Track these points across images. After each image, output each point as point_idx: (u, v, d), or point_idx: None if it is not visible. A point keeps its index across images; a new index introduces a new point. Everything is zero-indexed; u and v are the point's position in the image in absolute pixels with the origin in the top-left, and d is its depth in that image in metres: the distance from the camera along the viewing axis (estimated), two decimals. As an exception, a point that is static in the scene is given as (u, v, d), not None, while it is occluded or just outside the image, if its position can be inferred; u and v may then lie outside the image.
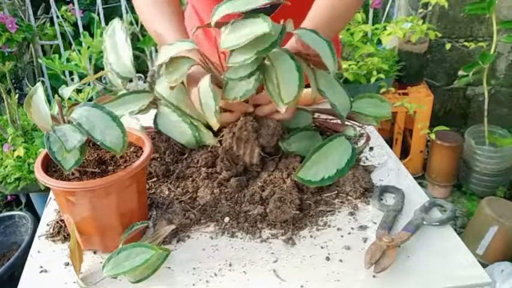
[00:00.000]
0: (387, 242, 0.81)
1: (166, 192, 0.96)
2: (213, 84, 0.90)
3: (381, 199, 0.95)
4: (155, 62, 1.07)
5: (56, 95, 0.85)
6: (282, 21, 0.88)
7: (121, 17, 1.06)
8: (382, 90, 2.24)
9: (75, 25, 2.53)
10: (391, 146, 2.41)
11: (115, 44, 1.02)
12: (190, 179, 0.98)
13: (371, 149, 1.11)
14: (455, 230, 1.99)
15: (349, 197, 0.95)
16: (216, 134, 1.00)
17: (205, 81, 0.90)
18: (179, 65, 0.92)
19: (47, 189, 0.87)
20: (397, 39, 2.37)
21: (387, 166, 1.05)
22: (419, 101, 2.32)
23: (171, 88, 0.95)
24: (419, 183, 1.15)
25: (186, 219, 0.90)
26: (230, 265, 0.81)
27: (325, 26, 0.96)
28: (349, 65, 2.22)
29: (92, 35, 2.06)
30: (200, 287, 0.78)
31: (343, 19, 1.04)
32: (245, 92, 0.90)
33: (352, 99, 0.99)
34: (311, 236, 0.87)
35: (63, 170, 0.75)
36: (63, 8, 2.50)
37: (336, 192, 0.96)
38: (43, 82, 2.41)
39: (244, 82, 0.89)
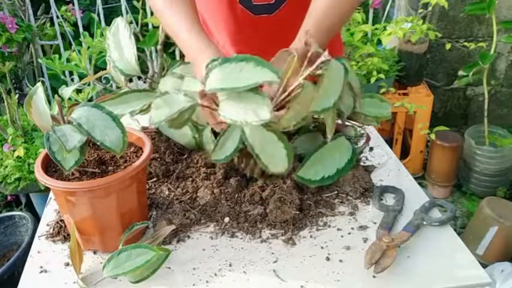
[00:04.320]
0: (387, 242, 0.81)
1: (166, 193, 0.96)
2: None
3: (381, 199, 0.95)
4: (158, 67, 1.07)
5: (56, 95, 0.85)
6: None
7: (121, 17, 1.06)
8: (382, 90, 2.24)
9: (75, 25, 2.53)
10: (391, 146, 2.41)
11: (118, 41, 1.02)
12: (190, 179, 0.98)
13: (371, 149, 1.11)
14: (455, 230, 1.99)
15: (349, 197, 0.95)
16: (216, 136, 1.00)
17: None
18: (180, 116, 0.88)
19: (47, 189, 0.87)
20: (397, 39, 2.37)
21: (387, 166, 1.05)
22: (419, 101, 2.32)
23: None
24: (419, 184, 1.15)
25: (186, 219, 0.90)
26: (230, 265, 0.81)
27: (326, 21, 0.96)
28: (349, 65, 2.22)
29: (92, 35, 2.06)
30: (200, 287, 0.78)
31: (344, 12, 1.03)
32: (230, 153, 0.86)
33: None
34: (311, 236, 0.87)
35: (63, 170, 0.75)
36: (63, 8, 2.50)
37: (336, 192, 0.96)
38: (43, 82, 2.40)
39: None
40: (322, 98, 0.80)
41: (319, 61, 0.76)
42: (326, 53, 0.77)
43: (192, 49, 0.93)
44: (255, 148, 0.82)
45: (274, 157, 0.83)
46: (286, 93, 0.78)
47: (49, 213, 0.96)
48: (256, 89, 0.74)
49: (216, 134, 1.00)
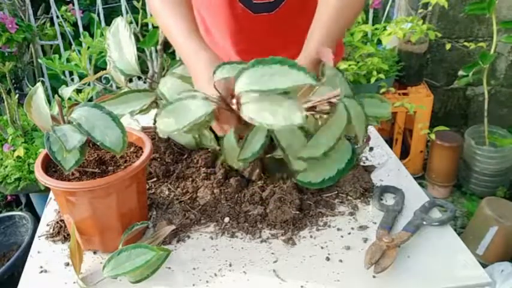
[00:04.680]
0: (387, 242, 0.81)
1: (166, 193, 0.96)
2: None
3: (381, 199, 0.95)
4: (158, 67, 1.06)
5: (56, 95, 0.85)
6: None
7: (121, 17, 1.06)
8: (382, 90, 2.24)
9: (75, 25, 2.53)
10: (391, 146, 2.40)
11: (118, 41, 1.02)
12: (190, 179, 0.98)
13: (371, 149, 1.11)
14: (455, 230, 1.99)
15: (349, 197, 0.95)
16: (217, 137, 1.00)
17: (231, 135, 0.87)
18: (200, 123, 0.86)
19: (47, 189, 0.87)
20: (397, 40, 2.36)
21: (387, 166, 1.05)
22: (419, 101, 2.32)
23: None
24: (419, 184, 1.15)
25: (186, 219, 0.90)
26: (230, 265, 0.81)
27: (333, 28, 0.95)
28: (349, 65, 2.22)
29: (92, 35, 2.06)
30: (200, 287, 0.78)
31: (349, 19, 1.03)
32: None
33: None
34: (311, 236, 0.87)
35: (63, 170, 0.75)
36: (63, 8, 2.50)
37: (336, 192, 0.96)
38: (43, 82, 2.40)
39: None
40: (312, 146, 0.81)
41: (327, 97, 0.74)
42: (338, 91, 0.74)
43: (187, 52, 0.93)
44: (282, 142, 0.82)
45: (299, 153, 0.83)
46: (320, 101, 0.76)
47: (49, 213, 0.96)
48: (287, 93, 0.72)
49: (215, 135, 1.00)
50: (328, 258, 0.82)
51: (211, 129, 0.96)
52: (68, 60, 2.03)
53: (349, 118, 0.80)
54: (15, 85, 2.40)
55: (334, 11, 0.94)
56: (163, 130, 0.79)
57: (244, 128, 0.84)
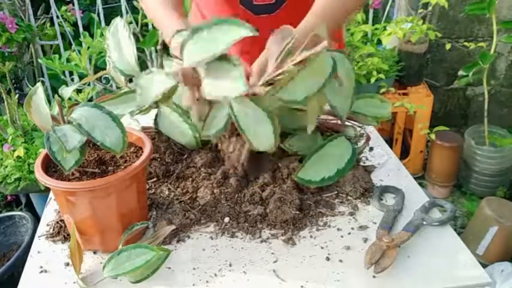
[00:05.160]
0: (387, 242, 0.81)
1: (166, 193, 0.96)
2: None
3: (381, 199, 0.95)
4: (158, 67, 1.07)
5: (56, 95, 0.85)
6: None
7: (121, 17, 1.06)
8: (382, 90, 2.24)
9: (75, 25, 2.53)
10: (391, 146, 2.40)
11: (118, 42, 1.02)
12: (190, 179, 0.98)
13: (371, 149, 1.11)
14: (455, 230, 1.99)
15: (349, 197, 0.95)
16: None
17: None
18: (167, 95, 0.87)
19: (47, 189, 0.87)
20: (397, 40, 2.37)
21: (387, 166, 1.05)
22: (419, 101, 2.32)
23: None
24: (419, 184, 1.15)
25: (186, 219, 0.90)
26: (230, 265, 0.81)
27: (332, 9, 0.95)
28: (349, 65, 2.22)
29: (92, 35, 2.06)
30: (200, 287, 0.78)
31: (350, 8, 1.03)
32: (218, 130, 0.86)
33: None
34: (311, 236, 0.87)
35: (63, 170, 0.75)
36: (63, 8, 2.50)
37: (336, 192, 0.96)
38: (43, 82, 2.41)
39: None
40: (293, 88, 0.77)
41: (316, 48, 0.74)
42: (326, 41, 0.75)
43: (162, 23, 0.98)
44: (241, 123, 0.81)
45: (260, 134, 0.82)
46: (279, 72, 0.76)
47: (49, 213, 0.96)
48: (230, 60, 0.72)
49: None
50: (328, 258, 0.82)
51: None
52: (68, 60, 2.03)
53: (334, 66, 0.78)
54: (15, 85, 2.40)
55: None
56: (139, 102, 0.83)
57: (204, 104, 0.85)
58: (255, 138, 0.82)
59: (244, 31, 0.72)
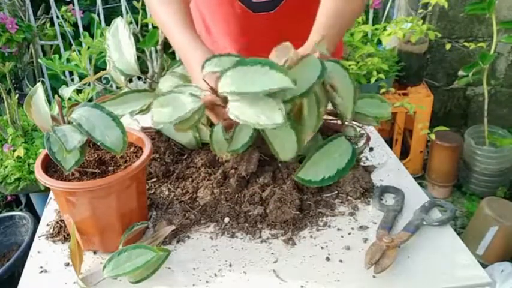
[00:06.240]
0: (387, 242, 0.81)
1: (166, 193, 0.96)
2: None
3: (381, 199, 0.95)
4: (158, 67, 1.07)
5: (56, 95, 0.85)
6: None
7: (121, 17, 1.06)
8: (382, 90, 2.24)
9: (75, 25, 2.53)
10: (391, 146, 2.40)
11: (118, 42, 1.02)
12: (190, 179, 0.98)
13: (371, 149, 1.11)
14: (455, 230, 1.99)
15: (349, 197, 0.95)
16: None
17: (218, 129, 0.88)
18: (189, 119, 0.84)
19: (47, 190, 0.87)
20: (397, 40, 2.37)
21: (387, 166, 1.05)
22: (419, 101, 2.32)
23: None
24: (419, 184, 1.15)
25: (186, 219, 0.90)
26: (230, 265, 0.81)
27: (334, 34, 0.96)
28: (349, 65, 2.22)
29: (92, 35, 2.06)
30: (200, 287, 0.78)
31: (349, 22, 1.04)
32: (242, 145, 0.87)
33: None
34: (311, 237, 0.87)
35: (63, 171, 0.75)
36: (63, 8, 2.50)
37: (336, 192, 0.96)
38: (43, 82, 2.40)
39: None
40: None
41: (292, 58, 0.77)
42: (318, 53, 0.78)
43: (182, 46, 0.94)
44: (269, 136, 0.84)
45: (285, 146, 0.85)
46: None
47: (49, 213, 0.96)
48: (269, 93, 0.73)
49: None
50: (328, 258, 0.82)
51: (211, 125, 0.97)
52: (68, 61, 2.03)
53: (322, 70, 0.78)
54: (15, 85, 2.40)
55: (333, 12, 0.95)
56: (156, 121, 0.82)
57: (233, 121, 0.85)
58: (281, 150, 0.86)
59: (283, 82, 0.72)
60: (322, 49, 0.86)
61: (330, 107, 0.95)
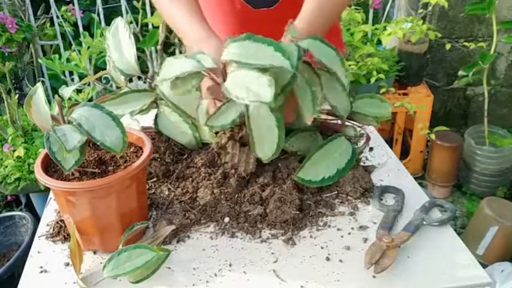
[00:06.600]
0: (387, 242, 0.81)
1: (166, 193, 0.96)
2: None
3: (381, 199, 0.95)
4: (158, 67, 1.07)
5: (56, 95, 0.85)
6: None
7: (121, 17, 1.06)
8: (382, 90, 2.24)
9: (75, 25, 2.53)
10: (391, 146, 2.40)
11: (118, 41, 1.02)
12: (190, 179, 0.98)
13: (371, 149, 1.11)
14: (455, 230, 1.99)
15: (349, 197, 0.95)
16: (216, 132, 1.00)
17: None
18: (186, 81, 0.88)
19: (47, 190, 0.87)
20: (397, 40, 2.37)
21: (387, 166, 1.05)
22: (419, 101, 2.32)
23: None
24: (419, 184, 1.15)
25: (186, 219, 0.90)
26: (230, 265, 0.81)
27: (318, 18, 0.96)
28: (349, 65, 2.22)
29: (92, 35, 2.06)
30: (200, 287, 0.78)
31: (339, 7, 1.03)
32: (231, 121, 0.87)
33: (352, 99, 0.99)
34: (311, 236, 0.87)
35: (63, 170, 0.75)
36: (63, 8, 2.50)
37: (336, 192, 0.96)
38: (43, 82, 2.40)
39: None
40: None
41: None
42: (287, 38, 0.80)
43: (195, 40, 0.94)
44: (251, 124, 0.83)
45: (264, 141, 0.84)
46: None
47: (49, 213, 0.96)
48: (266, 70, 0.75)
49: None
50: (328, 258, 0.82)
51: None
52: (68, 60, 2.03)
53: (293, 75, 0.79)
54: (15, 85, 2.40)
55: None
56: (160, 79, 0.86)
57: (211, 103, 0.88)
58: (258, 144, 0.85)
59: (283, 62, 0.75)
60: (293, 34, 0.87)
61: (329, 107, 0.95)
